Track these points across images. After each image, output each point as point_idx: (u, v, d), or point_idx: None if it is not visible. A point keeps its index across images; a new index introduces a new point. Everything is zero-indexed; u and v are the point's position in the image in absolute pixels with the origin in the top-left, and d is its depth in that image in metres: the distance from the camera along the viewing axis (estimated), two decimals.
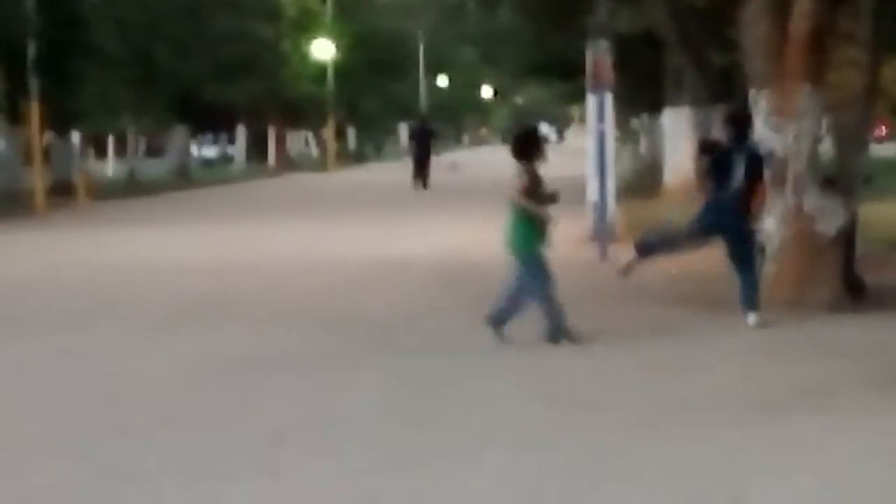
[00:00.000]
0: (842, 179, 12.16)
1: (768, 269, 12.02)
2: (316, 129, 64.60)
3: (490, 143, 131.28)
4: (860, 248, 12.83)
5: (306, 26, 55.19)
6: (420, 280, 15.14)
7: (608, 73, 18.00)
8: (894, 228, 17.33)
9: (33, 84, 29.63)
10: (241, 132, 58.42)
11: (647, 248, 11.66)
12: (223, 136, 67.24)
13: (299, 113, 57.52)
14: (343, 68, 56.76)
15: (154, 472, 6.82)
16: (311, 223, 24.82)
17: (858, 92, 12.28)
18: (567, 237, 19.01)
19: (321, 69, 56.11)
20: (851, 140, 12.31)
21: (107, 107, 39.11)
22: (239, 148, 59.12)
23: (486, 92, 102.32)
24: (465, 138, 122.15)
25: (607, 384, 8.94)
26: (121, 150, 51.96)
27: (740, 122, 11.51)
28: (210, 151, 70.05)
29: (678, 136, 27.96)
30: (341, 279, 15.48)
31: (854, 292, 12.08)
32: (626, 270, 11.77)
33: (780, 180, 11.86)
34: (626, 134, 44.09)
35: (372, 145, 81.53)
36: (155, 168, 49.60)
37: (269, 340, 11.00)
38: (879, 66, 13.24)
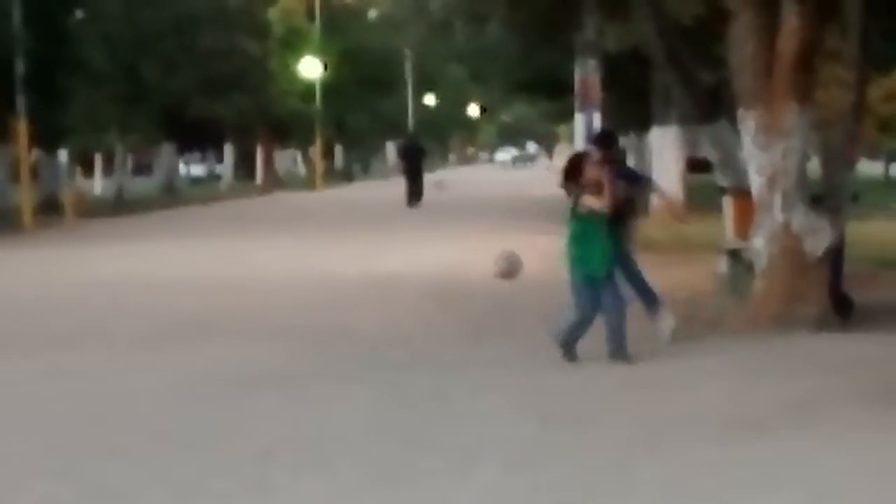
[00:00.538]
0: (829, 197, 12.20)
1: (756, 287, 12.04)
2: (303, 146, 64.59)
3: (477, 162, 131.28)
4: (847, 265, 12.85)
5: (294, 44, 55.24)
6: (409, 297, 15.13)
7: (596, 92, 18.06)
8: (881, 246, 17.39)
9: (20, 101, 29.59)
10: (228, 150, 58.44)
11: (652, 304, 11.49)
12: (211, 154, 67.29)
13: (287, 130, 57.54)
14: (331, 85, 56.80)
15: (142, 490, 6.79)
16: (300, 241, 24.81)
17: (846, 110, 12.33)
18: (553, 256, 19.05)
19: (309, 86, 56.14)
20: (838, 158, 12.35)
21: (94, 123, 39.12)
22: (226, 166, 59.12)
23: (474, 110, 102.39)
24: (452, 156, 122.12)
25: (597, 402, 8.93)
26: (108, 167, 51.91)
27: (605, 142, 11.70)
28: (198, 169, 70.09)
29: (666, 154, 28.04)
30: (329, 296, 15.46)
31: (841, 310, 12.10)
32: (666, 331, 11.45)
33: (768, 198, 11.89)
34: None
35: (359, 163, 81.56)
36: (143, 186, 49.60)
37: (258, 358, 10.98)
38: (866, 85, 13.30)
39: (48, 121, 31.60)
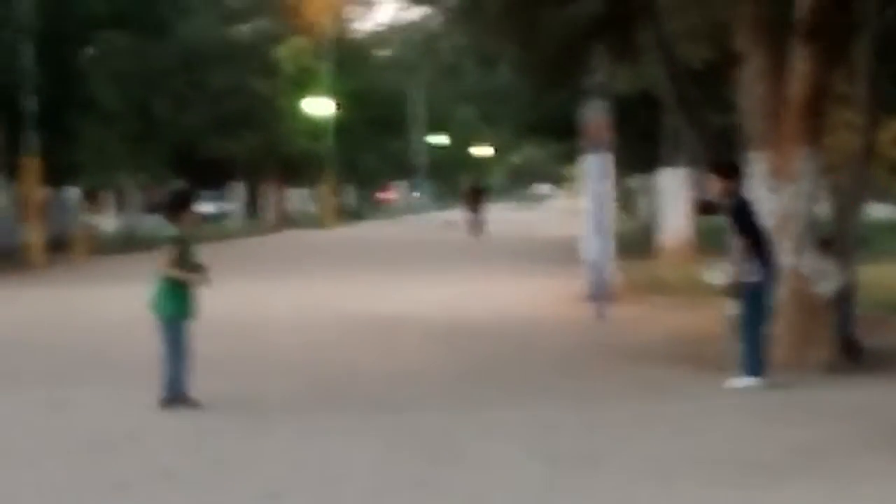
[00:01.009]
0: (838, 241, 12.18)
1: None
2: (313, 185, 64.69)
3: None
4: (857, 309, 12.81)
5: (304, 83, 55.39)
6: (417, 336, 15.10)
7: (605, 134, 18.05)
8: (891, 290, 17.32)
9: (31, 138, 29.67)
10: (239, 189, 58.50)
11: (756, 364, 10.92)
12: (221, 193, 67.42)
13: (297, 169, 57.63)
14: (341, 125, 56.94)
15: None
16: (310, 279, 24.78)
17: (855, 154, 12.33)
18: (562, 296, 19.03)
19: (319, 125, 56.27)
20: (848, 202, 12.34)
21: (104, 161, 39.16)
22: (237, 204, 59.18)
23: (483, 151, 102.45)
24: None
25: (604, 442, 8.89)
26: (119, 205, 51.97)
27: (728, 173, 11.34)
28: (209, 207, 70.16)
29: (675, 196, 28.02)
30: (338, 335, 15.43)
31: (851, 354, 12.06)
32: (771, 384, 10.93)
33: (778, 241, 11.88)
34: (623, 193, 44.16)
35: (369, 202, 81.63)
36: (153, 224, 49.56)
37: (265, 396, 10.95)
38: (876, 129, 13.30)
39: (58, 158, 31.64)
